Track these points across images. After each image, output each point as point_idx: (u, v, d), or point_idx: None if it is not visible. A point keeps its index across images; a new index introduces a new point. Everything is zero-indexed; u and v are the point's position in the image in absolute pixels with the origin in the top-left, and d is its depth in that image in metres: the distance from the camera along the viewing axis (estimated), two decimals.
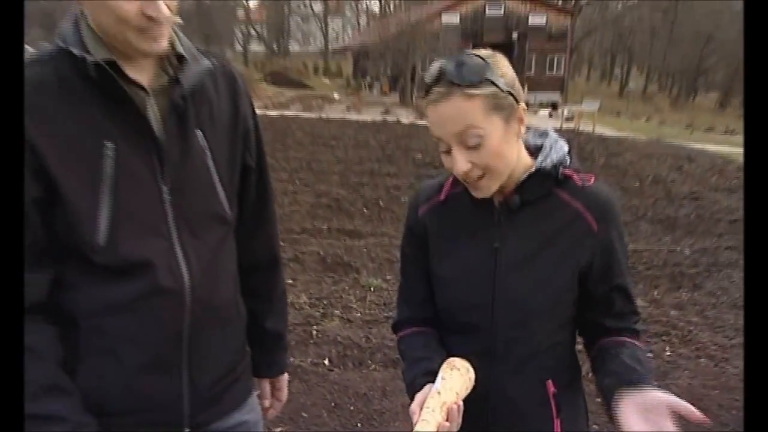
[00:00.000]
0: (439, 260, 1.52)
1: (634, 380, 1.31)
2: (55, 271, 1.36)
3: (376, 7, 67.16)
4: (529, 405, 1.46)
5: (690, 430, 3.51)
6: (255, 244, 1.69)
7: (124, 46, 1.31)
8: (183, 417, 1.50)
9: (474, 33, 42.83)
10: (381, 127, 19.76)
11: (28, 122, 1.27)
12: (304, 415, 3.48)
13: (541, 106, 35.53)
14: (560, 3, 53.66)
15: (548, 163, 1.41)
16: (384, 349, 4.33)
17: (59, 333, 1.38)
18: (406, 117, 24.75)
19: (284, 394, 1.86)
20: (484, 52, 1.33)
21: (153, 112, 1.39)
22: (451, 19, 44.40)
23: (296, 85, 44.52)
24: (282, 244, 1.81)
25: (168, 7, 1.29)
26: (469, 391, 1.33)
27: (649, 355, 1.37)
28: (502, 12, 45.74)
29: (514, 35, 43.55)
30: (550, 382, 1.46)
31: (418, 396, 1.33)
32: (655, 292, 6.20)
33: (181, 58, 1.40)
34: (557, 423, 1.46)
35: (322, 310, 5.12)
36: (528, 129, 1.44)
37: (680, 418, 1.21)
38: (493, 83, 1.29)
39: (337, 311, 5.12)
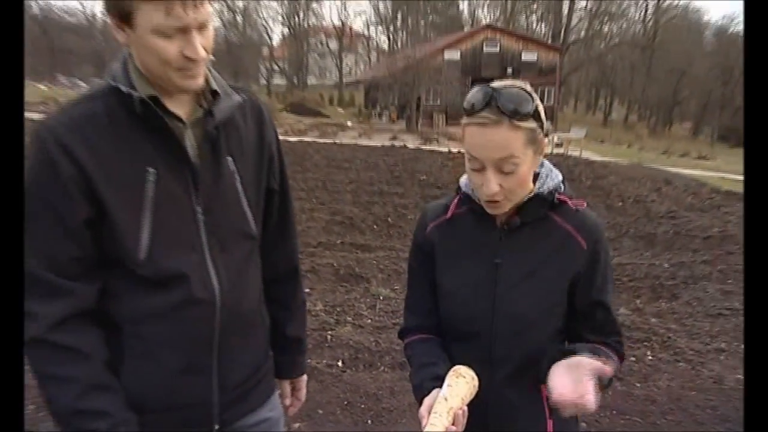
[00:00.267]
0: (444, 273, 1.51)
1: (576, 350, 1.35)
2: (102, 282, 1.38)
3: (385, 45, 67.50)
4: (524, 407, 1.46)
5: (688, 430, 3.43)
6: (277, 258, 1.70)
7: (166, 83, 1.34)
8: (213, 414, 1.51)
9: (473, 68, 42.91)
10: (389, 152, 19.74)
11: (81, 150, 1.29)
12: (320, 412, 3.49)
13: None
14: (549, 41, 53.80)
15: (545, 189, 1.42)
16: (392, 353, 4.31)
17: (105, 337, 1.39)
18: (412, 142, 24.76)
19: (303, 393, 1.86)
20: (525, 84, 1.33)
21: (189, 140, 1.40)
22: (453, 55, 44.51)
23: (313, 113, 44.50)
24: (300, 257, 1.82)
25: (204, 48, 1.31)
26: (473, 396, 1.33)
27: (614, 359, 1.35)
28: (497, 49, 45.85)
29: (509, 70, 43.53)
30: (543, 386, 1.44)
31: (427, 400, 1.33)
32: (638, 302, 6.17)
33: (214, 93, 1.42)
34: (550, 423, 1.46)
35: (336, 317, 5.10)
36: None
37: None
38: (535, 117, 1.31)
39: (349, 318, 5.10)
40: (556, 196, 1.42)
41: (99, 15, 59.19)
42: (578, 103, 73.81)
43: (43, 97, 34.14)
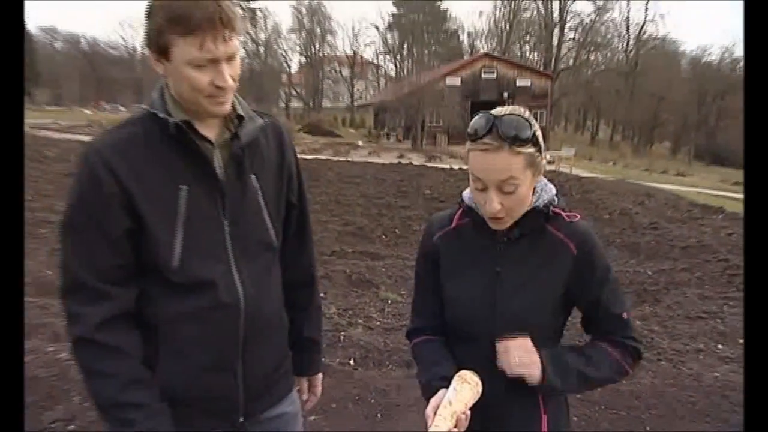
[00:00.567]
0: (448, 280, 1.51)
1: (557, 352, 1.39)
2: (139, 287, 1.40)
3: (392, 72, 67.75)
4: (521, 404, 1.45)
5: (670, 423, 3.39)
6: (296, 266, 1.70)
7: (198, 109, 1.36)
8: (238, 407, 1.51)
9: (472, 93, 43.06)
10: (396, 168, 19.74)
11: (123, 170, 1.32)
12: (334, 406, 3.48)
13: None
14: (542, 69, 53.96)
15: (541, 203, 1.41)
16: (399, 352, 4.29)
17: (142, 336, 1.40)
18: (417, 160, 24.73)
19: (319, 389, 1.85)
20: (524, 111, 1.34)
21: (218, 160, 1.42)
22: (454, 81, 44.67)
23: (328, 134, 44.62)
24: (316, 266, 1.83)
25: (232, 78, 1.33)
26: (475, 400, 1.32)
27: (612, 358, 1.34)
28: (494, 76, 46.03)
29: (505, 94, 43.67)
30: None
31: (433, 400, 1.33)
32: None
33: (240, 118, 1.43)
34: (545, 418, 1.45)
35: (348, 319, 5.09)
36: None
37: None
38: (534, 143, 1.31)
39: (360, 320, 5.09)
40: (551, 209, 1.42)
41: (139, 48, 60.24)
42: (568, 124, 73.76)
43: (89, 121, 34.60)
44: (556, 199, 1.44)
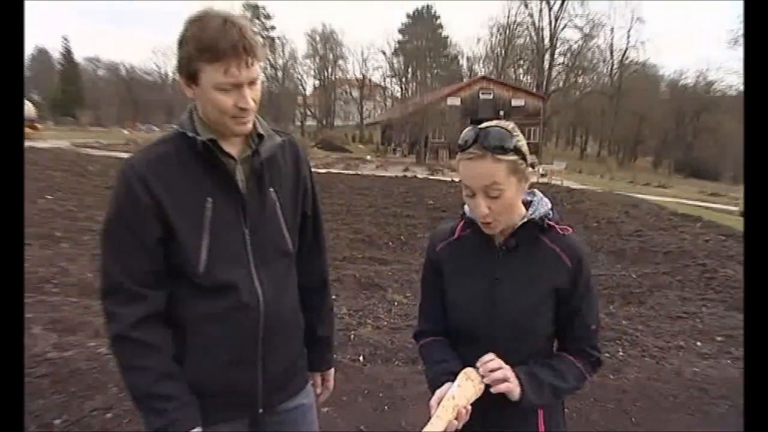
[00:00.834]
0: (451, 286, 1.50)
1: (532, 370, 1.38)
2: (169, 290, 1.41)
3: (398, 93, 67.84)
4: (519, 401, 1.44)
5: (653, 414, 3.36)
6: (310, 271, 1.70)
7: (222, 128, 1.37)
8: (258, 399, 1.51)
9: (471, 111, 43.10)
10: (402, 181, 19.75)
11: (156, 184, 1.33)
12: (345, 399, 3.46)
13: None
14: (534, 90, 54.01)
15: (536, 216, 1.41)
16: (405, 350, 4.26)
17: (172, 334, 1.41)
18: (421, 173, 24.78)
19: (331, 384, 1.84)
20: (508, 124, 1.35)
21: (240, 175, 1.43)
22: (454, 101, 44.88)
23: (339, 149, 44.77)
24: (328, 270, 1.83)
25: (253, 100, 1.34)
26: (477, 396, 1.32)
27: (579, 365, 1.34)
28: (491, 96, 46.23)
29: (501, 113, 43.68)
30: None
31: (438, 392, 1.33)
32: (611, 307, 6.10)
33: (260, 136, 1.44)
34: (541, 413, 1.44)
35: (357, 320, 5.06)
36: None
37: None
38: (516, 151, 1.31)
39: (369, 320, 5.06)
40: (546, 221, 1.42)
41: (170, 74, 60.94)
42: (559, 140, 73.71)
43: (126, 140, 34.96)
44: (551, 212, 1.44)
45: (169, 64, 61.60)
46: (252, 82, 1.33)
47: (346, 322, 4.94)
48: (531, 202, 1.46)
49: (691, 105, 57.93)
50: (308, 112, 70.03)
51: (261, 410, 1.53)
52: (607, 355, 4.35)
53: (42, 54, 71.62)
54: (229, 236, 1.41)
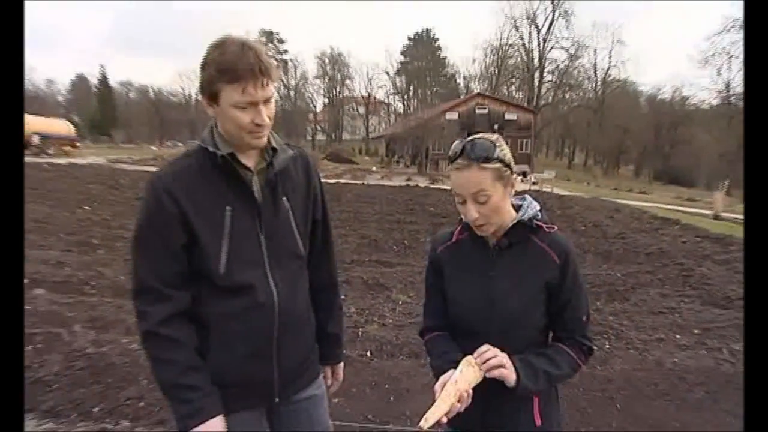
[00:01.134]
0: (451, 285, 1.50)
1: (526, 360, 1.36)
2: (193, 290, 1.41)
3: (400, 109, 67.94)
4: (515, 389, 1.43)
5: (637, 401, 3.34)
6: (320, 273, 1.69)
7: (240, 143, 1.38)
8: (274, 390, 1.51)
9: (468, 125, 42.85)
10: (405, 190, 19.71)
11: (180, 194, 1.34)
12: (353, 390, 3.45)
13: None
14: (526, 105, 54.02)
15: (526, 217, 1.41)
16: (409, 345, 4.24)
17: (195, 330, 1.42)
18: (422, 182, 24.74)
19: (341, 376, 1.83)
20: (492, 136, 1.36)
21: (256, 185, 1.43)
22: (452, 116, 44.90)
23: (347, 161, 44.84)
24: (337, 271, 1.83)
25: (268, 117, 1.35)
26: (478, 381, 1.31)
27: (572, 354, 1.33)
28: (486, 111, 46.26)
29: (495, 126, 43.72)
30: None
31: (442, 378, 1.33)
32: (598, 304, 6.06)
33: (274, 149, 1.45)
34: (536, 400, 1.43)
35: (365, 318, 5.04)
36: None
37: None
38: (499, 160, 1.32)
39: (375, 318, 5.03)
40: (535, 222, 1.42)
41: (194, 95, 61.41)
42: (549, 151, 73.58)
43: (154, 155, 35.31)
44: (539, 214, 1.44)
45: (192, 86, 62.21)
46: (267, 101, 1.34)
47: (354, 320, 4.93)
48: (521, 205, 1.46)
49: (667, 118, 57.95)
50: (318, 128, 70.31)
51: (277, 400, 1.53)
52: (595, 347, 4.31)
53: (82, 80, 72.88)
54: (247, 241, 1.42)
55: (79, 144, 35.94)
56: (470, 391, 1.29)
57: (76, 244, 7.82)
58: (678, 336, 4.96)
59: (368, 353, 4.14)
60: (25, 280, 5.71)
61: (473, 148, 1.31)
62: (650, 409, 3.50)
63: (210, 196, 1.38)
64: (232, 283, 1.39)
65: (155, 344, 1.36)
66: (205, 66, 1.31)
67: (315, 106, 69.95)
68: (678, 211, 19.08)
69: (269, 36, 66.04)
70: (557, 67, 62.99)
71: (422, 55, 67.38)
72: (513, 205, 1.46)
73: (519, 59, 64.52)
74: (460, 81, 69.94)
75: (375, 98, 69.30)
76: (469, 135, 1.40)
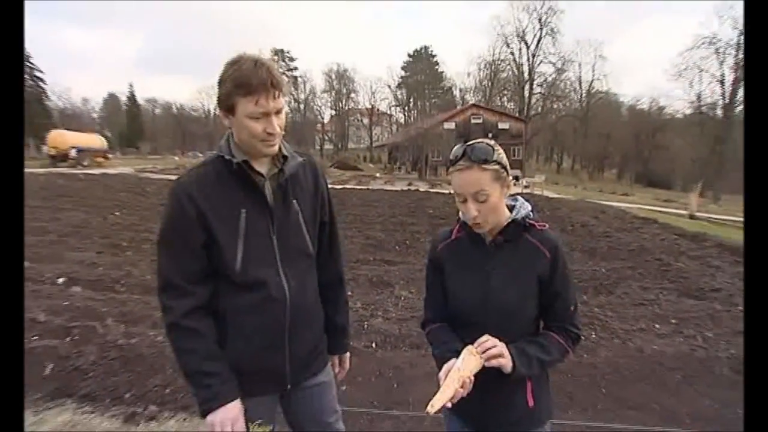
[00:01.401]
0: (450, 279, 1.49)
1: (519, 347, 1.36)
2: (212, 286, 1.42)
3: (402, 119, 67.79)
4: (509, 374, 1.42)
5: (620, 386, 3.32)
6: (328, 270, 1.69)
7: (254, 150, 1.38)
8: (286, 377, 1.52)
9: (464, 134, 43.00)
10: (406, 194, 19.64)
11: (200, 198, 1.35)
12: (359, 379, 3.44)
13: None
14: (517, 115, 53.93)
15: (519, 216, 1.42)
16: (411, 337, 4.23)
17: (215, 323, 1.42)
18: (422, 187, 24.65)
19: (347, 365, 1.83)
20: (490, 141, 1.37)
21: (268, 189, 1.44)
22: (450, 125, 44.91)
23: (352, 168, 44.76)
24: (344, 269, 1.82)
25: (279, 126, 1.36)
26: (479, 368, 1.31)
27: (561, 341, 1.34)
28: (481, 120, 46.25)
29: (490, 135, 43.66)
30: None
31: (445, 366, 1.33)
32: (584, 297, 6.04)
33: (285, 156, 1.45)
34: (529, 384, 1.43)
35: (370, 312, 5.02)
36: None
37: None
38: (497, 162, 1.33)
39: (379, 313, 5.01)
40: (527, 221, 1.42)
41: (212, 110, 61.83)
42: (539, 156, 73.21)
43: (177, 165, 35.57)
44: (531, 213, 1.44)
45: (211, 102, 62.61)
46: (278, 112, 1.35)
47: (360, 314, 4.91)
48: (514, 206, 1.46)
49: (646, 126, 57.73)
50: (326, 138, 70.26)
51: (289, 386, 1.54)
52: (582, 336, 4.31)
53: (112, 98, 73.83)
54: (260, 241, 1.42)
55: (110, 155, 36.17)
56: (472, 378, 1.29)
57: (107, 246, 7.85)
58: (657, 325, 4.93)
59: (373, 345, 4.13)
60: (64, 279, 5.75)
61: (474, 151, 1.32)
62: (632, 392, 3.50)
63: (226, 200, 1.39)
64: (247, 279, 1.40)
65: (179, 335, 1.37)
66: (222, 81, 1.32)
67: (323, 118, 69.90)
68: (656, 211, 19.01)
69: (281, 54, 66.08)
70: (545, 80, 63.02)
71: (421, 69, 67.38)
72: (507, 206, 1.46)
73: (510, 73, 64.48)
74: (457, 93, 69.87)
75: (378, 110, 69.28)
76: (466, 142, 1.41)
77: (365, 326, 4.54)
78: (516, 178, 33.93)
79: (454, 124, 45.74)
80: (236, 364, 1.42)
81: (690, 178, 41.94)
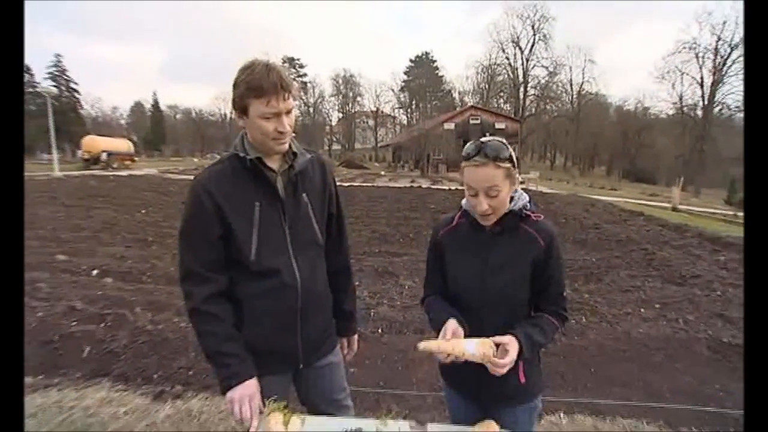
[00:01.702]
0: (449, 263, 1.49)
1: (519, 330, 1.34)
2: (229, 274, 1.42)
3: (405, 121, 67.47)
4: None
5: (608, 365, 3.34)
6: (336, 258, 1.68)
7: (266, 148, 1.39)
8: (298, 357, 1.53)
9: (463, 134, 42.56)
10: (409, 191, 19.60)
11: (217, 193, 1.36)
12: (367, 362, 3.47)
13: None
14: (513, 115, 53.49)
15: (516, 207, 1.41)
16: (414, 323, 4.24)
17: (232, 308, 1.43)
18: (424, 184, 24.57)
19: (356, 347, 1.83)
20: (502, 139, 1.36)
21: (279, 184, 1.44)
22: (450, 126, 44.36)
23: (359, 167, 44.71)
24: (351, 260, 1.82)
25: (289, 125, 1.36)
26: (482, 360, 1.29)
27: (554, 323, 1.34)
28: (479, 121, 45.58)
29: (487, 134, 42.43)
30: None
31: (449, 326, 1.34)
32: (576, 285, 6.02)
33: (294, 154, 1.46)
34: (521, 363, 1.41)
35: (376, 300, 5.04)
36: None
37: None
38: (509, 160, 1.32)
39: (385, 301, 5.03)
40: (524, 211, 1.41)
41: (229, 114, 61.89)
42: (533, 155, 72.67)
43: (196, 165, 35.71)
44: (528, 204, 1.43)
45: (227, 107, 62.40)
46: (288, 112, 1.35)
47: (367, 302, 4.92)
48: (512, 197, 1.44)
49: (632, 126, 57.30)
50: (334, 139, 70.13)
51: (301, 366, 1.55)
52: (573, 321, 4.31)
53: (138, 105, 74.62)
54: (273, 231, 1.43)
55: (136, 158, 36.34)
56: (461, 360, 1.28)
57: (135, 241, 7.92)
58: (642, 310, 4.93)
59: (380, 330, 4.14)
60: (97, 271, 5.82)
61: (489, 148, 1.30)
62: (618, 370, 3.51)
63: (241, 194, 1.39)
64: (261, 267, 1.40)
65: (200, 319, 1.38)
66: (236, 85, 1.33)
67: (331, 120, 69.74)
68: (642, 204, 18.95)
69: (291, 61, 65.91)
70: (539, 82, 62.24)
71: (422, 74, 66.93)
72: None
73: (506, 76, 63.84)
74: (456, 95, 69.21)
75: (382, 112, 68.88)
76: (464, 143, 1.40)
77: (372, 313, 4.55)
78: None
79: (453, 124, 45.30)
80: (252, 346, 1.43)
81: (673, 173, 41.89)
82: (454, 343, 1.28)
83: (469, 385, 1.49)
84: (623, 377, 3.41)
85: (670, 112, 53.15)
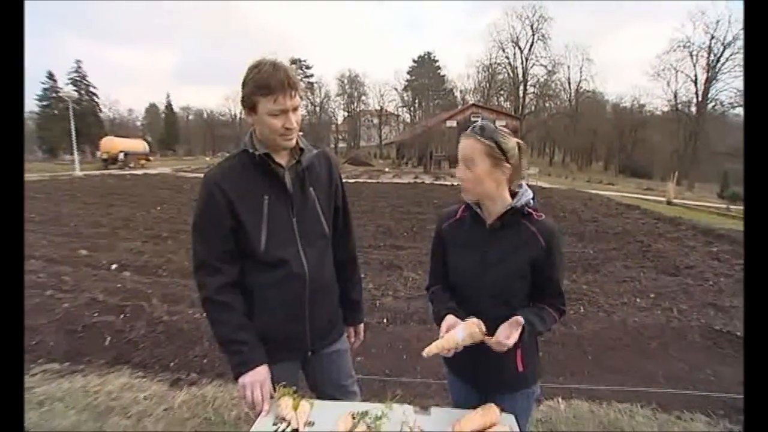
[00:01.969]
0: (451, 256, 1.48)
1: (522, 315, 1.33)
2: (240, 265, 1.43)
3: (408, 119, 67.18)
4: None
5: (605, 353, 3.32)
6: (342, 250, 1.68)
7: (274, 144, 1.39)
8: (306, 345, 1.53)
9: (465, 131, 42.41)
10: (413, 186, 19.62)
11: (228, 187, 1.36)
12: (373, 351, 3.48)
13: None
14: (513, 113, 53.19)
15: (519, 204, 1.39)
16: (418, 314, 4.25)
17: (243, 297, 1.43)
18: (427, 180, 24.60)
19: (362, 335, 1.83)
20: (501, 127, 1.39)
21: (287, 178, 1.44)
22: (452, 123, 44.04)
23: (364, 164, 44.59)
24: (357, 253, 1.82)
25: (296, 122, 1.36)
26: (475, 342, 1.31)
27: (552, 314, 1.34)
28: (480, 119, 44.97)
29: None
30: None
31: (446, 322, 1.35)
32: (574, 276, 6.01)
33: (301, 149, 1.46)
34: (518, 351, 1.42)
35: (381, 292, 5.05)
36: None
37: None
38: (494, 140, 1.33)
39: (390, 292, 5.04)
40: (526, 209, 1.39)
41: (238, 114, 61.98)
42: (533, 151, 71.83)
43: (208, 164, 35.61)
44: (531, 201, 1.42)
45: (237, 107, 62.54)
46: (295, 109, 1.35)
47: (372, 293, 4.93)
48: (516, 193, 1.42)
49: (628, 122, 56.90)
50: (340, 137, 69.87)
51: (309, 353, 1.55)
52: (572, 311, 4.31)
53: (152, 107, 74.99)
54: (282, 224, 1.43)
55: (151, 158, 36.53)
56: (462, 347, 1.30)
57: (151, 236, 7.98)
58: (638, 300, 4.92)
59: (385, 320, 4.15)
60: (116, 265, 5.87)
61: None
62: (615, 358, 3.51)
63: (251, 188, 1.39)
64: (271, 258, 1.41)
65: (213, 308, 1.39)
66: (245, 83, 1.33)
67: (336, 119, 69.33)
68: (638, 198, 18.89)
69: (298, 63, 65.65)
70: (538, 81, 61.70)
71: (425, 73, 66.49)
72: (512, 191, 1.43)
73: (506, 75, 63.33)
74: (458, 94, 68.68)
75: (386, 111, 68.49)
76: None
77: (377, 304, 4.56)
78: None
79: (455, 122, 44.95)
80: (263, 334, 1.43)
81: (668, 168, 41.65)
82: (448, 337, 1.29)
83: (469, 371, 1.49)
84: (619, 364, 3.41)
85: (665, 109, 53.10)
